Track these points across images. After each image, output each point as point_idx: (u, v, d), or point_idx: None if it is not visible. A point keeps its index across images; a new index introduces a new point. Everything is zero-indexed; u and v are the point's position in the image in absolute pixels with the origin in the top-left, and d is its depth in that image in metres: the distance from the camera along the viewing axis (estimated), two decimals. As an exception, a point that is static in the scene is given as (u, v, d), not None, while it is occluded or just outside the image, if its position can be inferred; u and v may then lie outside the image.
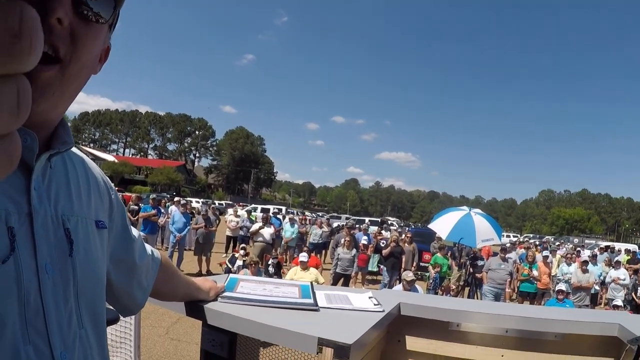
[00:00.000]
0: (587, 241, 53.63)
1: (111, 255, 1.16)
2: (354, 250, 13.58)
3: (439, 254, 14.27)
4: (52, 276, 0.87)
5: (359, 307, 2.04)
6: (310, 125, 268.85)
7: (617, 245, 32.62)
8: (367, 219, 45.32)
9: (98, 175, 1.13)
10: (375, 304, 2.09)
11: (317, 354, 1.53)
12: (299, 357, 2.05)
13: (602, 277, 15.47)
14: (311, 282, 2.30)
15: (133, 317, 5.58)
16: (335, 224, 24.55)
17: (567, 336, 2.26)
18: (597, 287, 15.13)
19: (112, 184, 1.22)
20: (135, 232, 1.33)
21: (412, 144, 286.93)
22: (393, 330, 2.45)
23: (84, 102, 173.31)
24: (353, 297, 2.21)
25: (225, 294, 1.93)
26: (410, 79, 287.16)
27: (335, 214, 69.35)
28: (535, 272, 13.25)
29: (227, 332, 1.87)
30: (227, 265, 12.04)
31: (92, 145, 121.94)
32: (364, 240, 15.43)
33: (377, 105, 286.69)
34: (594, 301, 15.01)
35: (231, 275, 2.28)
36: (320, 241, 19.46)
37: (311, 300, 1.96)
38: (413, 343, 2.43)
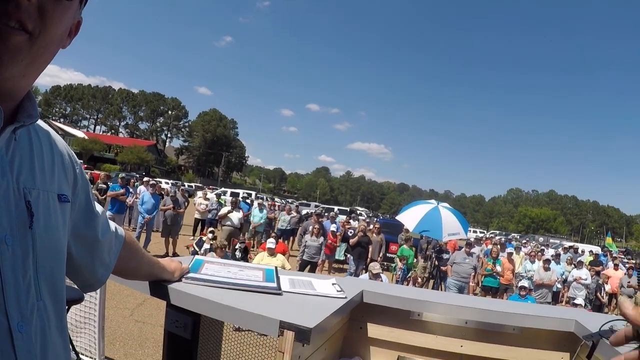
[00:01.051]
0: (551, 240, 54.39)
1: (73, 229, 1.15)
2: (322, 238, 13.62)
3: (405, 246, 14.38)
4: (12, 247, 0.87)
5: (322, 293, 2.05)
6: (285, 111, 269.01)
7: (581, 246, 33.19)
8: (336, 208, 45.40)
9: (63, 150, 1.13)
10: (338, 290, 2.11)
11: (279, 336, 1.55)
12: (262, 340, 2.07)
13: (564, 276, 15.76)
14: (275, 267, 2.32)
15: (97, 298, 5.57)
16: (304, 212, 24.56)
17: (526, 330, 2.32)
18: (559, 286, 15.42)
19: (78, 159, 1.22)
20: (99, 207, 1.32)
21: (385, 136, 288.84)
22: (356, 317, 2.47)
23: (56, 76, 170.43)
24: (316, 282, 2.23)
25: (190, 274, 1.93)
26: (387, 70, 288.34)
27: (305, 202, 69.29)
28: (498, 268, 13.42)
29: (190, 313, 1.87)
30: (194, 248, 12.00)
31: (62, 120, 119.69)
32: (332, 228, 15.49)
33: (352, 95, 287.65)
34: (556, 299, 15.33)
35: (196, 256, 2.28)
36: (288, 227, 19.48)
37: (274, 284, 1.97)
38: (375, 330, 2.46)
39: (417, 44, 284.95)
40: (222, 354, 2.23)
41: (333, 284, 2.23)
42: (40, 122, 1.03)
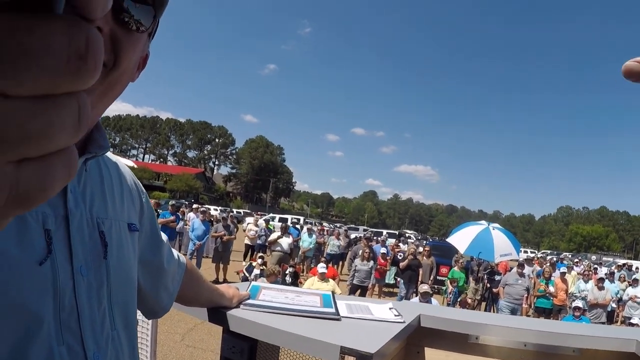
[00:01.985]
0: (604, 258, 53.04)
1: (140, 257, 1.17)
2: (372, 262, 13.56)
3: (455, 268, 14.21)
4: (87, 278, 0.89)
5: (380, 318, 2.04)
6: (330, 136, 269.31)
7: (635, 263, 32.17)
8: (384, 231, 45.15)
9: (130, 179, 1.16)
10: (395, 315, 2.10)
11: None
12: (320, 365, 2.06)
13: (619, 295, 15.24)
14: (332, 292, 2.32)
15: (150, 322, 5.62)
16: (353, 236, 24.49)
17: (585, 351, 2.25)
18: (613, 305, 14.87)
19: (143, 188, 1.24)
20: (164, 236, 1.34)
21: (431, 157, 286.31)
22: (412, 342, 2.45)
23: None
24: (374, 307, 2.21)
25: (248, 301, 1.95)
26: (432, 91, 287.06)
27: (353, 226, 69.17)
28: (551, 288, 13.11)
29: (247, 339, 1.88)
30: (244, 273, 12.06)
31: (112, 150, 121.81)
32: (382, 250, 15.43)
33: (397, 117, 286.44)
34: (611, 319, 14.77)
35: (254, 283, 2.30)
36: (337, 252, 19.43)
37: (333, 310, 1.97)
38: (432, 355, 2.43)
39: (460, 66, 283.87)
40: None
41: (390, 309, 2.22)
42: (108, 153, 1.05)
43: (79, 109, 0.33)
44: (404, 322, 2.03)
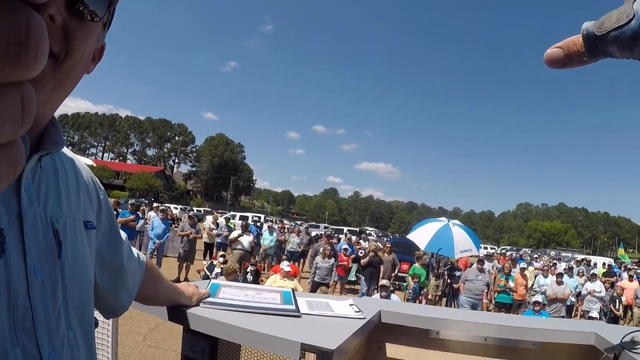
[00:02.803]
0: (563, 254, 54.09)
1: (97, 255, 1.14)
2: (333, 260, 13.59)
3: (416, 264, 14.33)
4: (41, 278, 0.87)
5: (341, 314, 2.04)
6: (291, 134, 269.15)
7: (594, 259, 32.87)
8: (345, 229, 45.34)
9: (87, 176, 1.13)
10: (356, 311, 2.10)
11: (300, 359, 1.54)
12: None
13: (577, 289, 15.57)
14: (292, 289, 2.31)
15: (110, 322, 5.55)
16: (314, 233, 24.51)
17: (545, 345, 2.28)
18: (573, 299, 15.21)
19: (102, 185, 1.22)
20: (123, 234, 1.32)
21: (392, 155, 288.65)
22: (374, 338, 2.46)
23: (64, 105, 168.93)
24: (334, 304, 2.22)
25: (208, 299, 1.93)
26: (393, 89, 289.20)
27: (314, 223, 69.26)
28: (511, 284, 13.31)
29: (208, 338, 1.86)
30: (205, 272, 11.98)
31: (70, 148, 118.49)
32: (345, 246, 15.52)
33: (358, 115, 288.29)
34: (570, 313, 15.16)
35: (213, 280, 2.28)
36: (297, 250, 19.45)
37: (293, 306, 1.97)
38: (393, 350, 2.44)
39: (419, 62, 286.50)
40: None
41: (351, 305, 2.22)
42: (64, 149, 1.03)
43: (22, 100, 0.32)
44: (364, 318, 2.03)
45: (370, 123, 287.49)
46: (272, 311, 1.90)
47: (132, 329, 8.40)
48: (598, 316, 11.94)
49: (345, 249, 15.26)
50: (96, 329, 5.55)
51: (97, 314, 1.31)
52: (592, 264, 25.60)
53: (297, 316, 1.91)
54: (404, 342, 2.43)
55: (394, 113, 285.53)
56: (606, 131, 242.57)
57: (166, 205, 40.84)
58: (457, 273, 13.51)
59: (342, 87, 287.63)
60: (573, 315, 15.43)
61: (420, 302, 13.16)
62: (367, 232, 55.32)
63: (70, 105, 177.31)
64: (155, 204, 19.57)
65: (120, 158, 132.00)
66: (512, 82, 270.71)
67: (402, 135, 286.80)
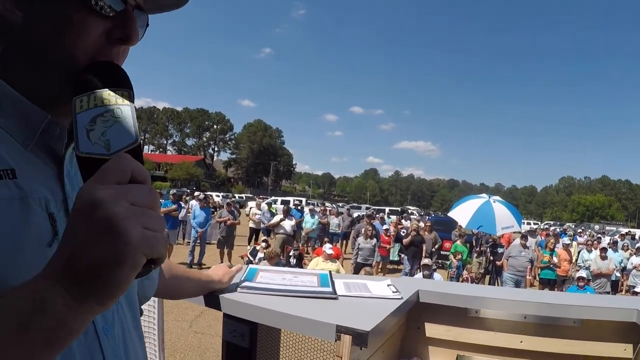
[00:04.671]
0: (607, 228, 52.88)
1: None
2: (375, 240, 13.58)
3: (458, 242, 14.23)
4: None
5: (378, 295, 2.05)
6: (329, 116, 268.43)
7: (638, 232, 32.09)
8: (387, 209, 45.24)
9: None
10: (393, 292, 2.10)
11: (336, 341, 1.55)
12: (320, 345, 2.07)
13: (622, 264, 15.24)
14: (330, 272, 2.32)
15: (156, 311, 5.67)
16: (355, 214, 24.51)
17: (586, 322, 2.24)
18: (617, 274, 14.86)
19: None
20: None
21: (431, 132, 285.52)
22: (412, 318, 2.45)
23: None
24: (372, 285, 2.22)
25: (245, 283, 1.95)
26: (429, 67, 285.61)
27: (356, 204, 69.29)
28: (554, 259, 13.11)
29: (247, 322, 1.89)
30: (248, 257, 12.09)
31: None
32: (385, 227, 15.52)
33: (395, 94, 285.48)
34: (615, 288, 14.80)
35: (251, 265, 2.31)
36: (338, 231, 19.49)
37: (330, 289, 1.98)
38: (432, 330, 2.44)
39: (455, 41, 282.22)
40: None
41: (388, 285, 2.22)
42: None
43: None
44: (401, 298, 2.03)
45: (408, 102, 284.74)
46: (308, 294, 1.91)
47: (179, 316, 8.57)
48: None
49: (386, 230, 15.23)
50: (142, 317, 5.69)
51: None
52: (637, 237, 25.03)
53: (334, 298, 1.92)
54: (443, 321, 2.43)
55: (431, 91, 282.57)
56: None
57: (208, 193, 41.29)
58: (500, 250, 13.39)
59: (377, 67, 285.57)
60: (618, 290, 15.09)
61: (464, 280, 13.07)
62: (409, 211, 55.10)
63: None
64: (196, 193, 19.74)
65: (161, 150, 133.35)
66: (552, 56, 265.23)
67: (440, 113, 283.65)
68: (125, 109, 0.79)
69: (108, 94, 0.79)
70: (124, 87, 0.82)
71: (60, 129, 0.88)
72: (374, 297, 2.03)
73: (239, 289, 1.90)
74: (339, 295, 1.96)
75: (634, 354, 2.16)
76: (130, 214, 0.63)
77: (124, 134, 0.76)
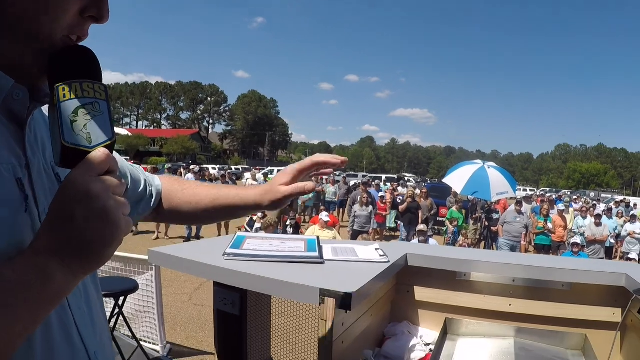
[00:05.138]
0: (603, 195, 53.08)
1: None
2: (371, 207, 13.60)
3: (454, 208, 14.27)
4: None
5: (364, 259, 2.05)
6: (324, 85, 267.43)
7: (633, 200, 32.20)
8: (383, 176, 45.29)
9: None
10: (381, 255, 2.10)
11: (320, 304, 1.56)
12: (309, 310, 2.08)
13: (617, 231, 15.25)
14: (317, 237, 2.32)
15: (154, 286, 5.75)
16: (352, 182, 24.52)
17: (575, 285, 2.27)
18: (612, 241, 14.87)
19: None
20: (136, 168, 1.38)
21: (427, 100, 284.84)
22: (402, 281, 2.47)
23: None
24: (359, 249, 2.22)
25: (231, 251, 1.95)
26: (425, 34, 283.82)
27: (352, 172, 69.29)
28: (549, 225, 13.15)
29: (236, 290, 1.90)
30: (245, 228, 12.12)
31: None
32: (381, 194, 15.55)
33: (391, 62, 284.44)
34: (609, 254, 14.80)
35: (238, 233, 2.30)
36: (334, 199, 19.53)
37: (316, 254, 1.97)
38: (422, 293, 2.46)
39: (449, 8, 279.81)
40: (271, 326, 2.26)
41: (376, 249, 2.22)
42: None
43: None
44: (388, 261, 2.03)
45: (404, 69, 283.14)
46: (295, 259, 1.91)
47: (178, 289, 8.64)
48: (638, 258, 11.69)
49: (382, 197, 15.26)
50: (140, 293, 5.78)
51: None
52: (632, 205, 25.13)
53: (321, 263, 1.92)
54: (432, 285, 2.45)
55: (427, 58, 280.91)
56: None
57: (204, 166, 41.27)
58: (495, 215, 13.43)
59: (373, 35, 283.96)
60: (613, 257, 15.10)
61: (461, 246, 13.12)
62: (406, 178, 55.18)
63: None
64: (192, 166, 19.73)
65: (155, 124, 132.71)
66: (547, 25, 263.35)
67: (437, 80, 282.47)
68: (102, 104, 0.86)
69: (88, 87, 0.85)
70: (100, 81, 0.88)
71: (23, 93, 0.88)
72: (361, 260, 2.03)
73: (225, 257, 1.90)
74: (326, 260, 1.96)
75: (622, 318, 2.18)
76: (117, 206, 0.79)
77: (103, 130, 0.85)
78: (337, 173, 56.72)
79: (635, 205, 25.92)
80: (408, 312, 2.53)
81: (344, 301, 1.51)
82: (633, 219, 14.93)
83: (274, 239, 2.24)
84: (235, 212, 1.45)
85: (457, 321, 2.34)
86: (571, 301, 2.30)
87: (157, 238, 13.52)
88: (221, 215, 1.48)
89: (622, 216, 16.61)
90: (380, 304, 2.31)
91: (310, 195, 18.14)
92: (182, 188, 1.45)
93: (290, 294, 1.65)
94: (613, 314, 2.25)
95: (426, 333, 2.44)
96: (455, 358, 2.10)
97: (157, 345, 5.99)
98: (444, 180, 13.38)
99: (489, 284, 2.39)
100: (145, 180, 1.38)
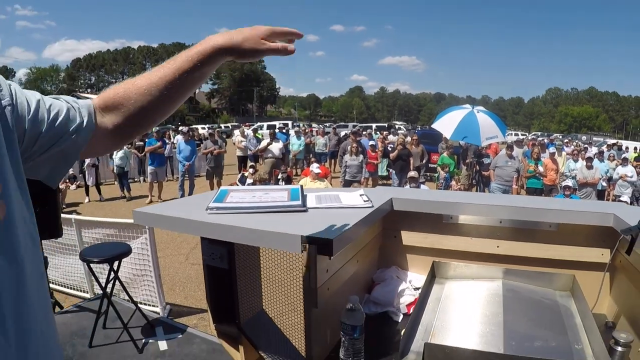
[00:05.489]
0: (595, 139, 53.34)
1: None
2: (361, 156, 13.59)
3: (445, 154, 14.28)
4: None
5: (348, 205, 2.05)
6: (309, 36, 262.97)
7: (625, 143, 32.30)
8: (374, 125, 45.21)
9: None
10: (365, 201, 2.11)
11: (302, 252, 1.56)
12: (296, 259, 2.09)
13: (608, 174, 15.29)
14: (301, 185, 2.32)
15: (149, 249, 5.79)
16: (342, 133, 24.49)
17: (562, 226, 2.26)
18: (604, 184, 14.95)
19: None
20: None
21: (415, 47, 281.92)
22: (388, 226, 2.47)
23: (76, 49, 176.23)
24: (344, 196, 2.23)
25: (214, 205, 1.95)
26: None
27: (343, 123, 69.16)
28: (540, 169, 13.16)
29: (222, 243, 1.89)
30: (237, 185, 12.12)
31: (89, 90, 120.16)
32: (371, 143, 15.55)
33: (376, 10, 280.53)
34: (602, 198, 14.89)
35: (221, 187, 2.30)
36: (325, 151, 19.55)
37: (299, 202, 1.98)
38: (409, 238, 2.47)
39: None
40: (262, 277, 2.27)
41: (361, 195, 2.23)
42: None
43: None
44: (372, 206, 2.03)
45: (390, 16, 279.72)
46: (277, 209, 1.92)
47: (175, 250, 8.70)
48: (629, 201, 11.74)
49: (373, 146, 15.25)
50: (136, 257, 5.85)
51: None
52: (623, 148, 25.20)
53: (304, 211, 1.93)
54: (419, 229, 2.45)
55: (413, 4, 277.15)
56: (637, 10, 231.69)
57: (193, 126, 41.02)
58: (486, 160, 13.45)
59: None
60: (605, 200, 15.03)
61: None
62: (396, 126, 55.11)
63: (82, 48, 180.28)
64: (181, 128, 19.61)
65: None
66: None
67: (424, 27, 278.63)
68: None
69: None
70: None
71: None
72: (344, 207, 2.04)
73: (208, 211, 1.90)
74: (309, 208, 1.97)
75: (610, 258, 2.17)
76: None
77: None
78: (328, 124, 56.70)
79: (627, 148, 26.01)
80: (396, 257, 2.54)
81: (325, 247, 1.51)
82: (625, 162, 14.90)
83: (257, 190, 2.24)
84: (194, 71, 1.26)
85: (445, 264, 2.33)
86: (559, 242, 2.29)
87: (151, 202, 13.47)
88: (182, 84, 1.25)
89: (613, 159, 16.59)
90: (367, 250, 2.31)
91: (301, 147, 18.22)
92: (124, 88, 1.20)
93: (272, 243, 1.65)
94: (601, 255, 2.25)
95: (415, 277, 2.45)
96: (443, 301, 2.10)
97: (157, 307, 6.05)
98: (433, 126, 13.25)
99: (476, 226, 2.39)
100: (69, 108, 1.12)
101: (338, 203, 2.07)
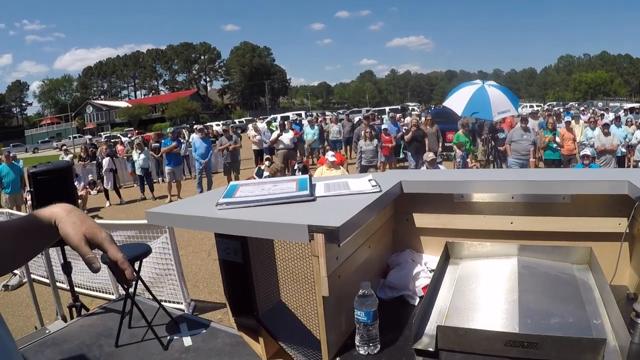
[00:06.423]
0: (611, 104, 52.07)
1: None
2: (376, 141, 13.55)
3: (460, 132, 14.18)
4: None
5: (356, 191, 2.06)
6: (315, 25, 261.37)
7: (643, 106, 31.49)
8: (387, 108, 45.01)
9: None
10: (373, 186, 2.11)
11: (310, 241, 1.57)
12: (308, 249, 2.10)
13: (627, 139, 14.75)
14: (310, 175, 2.33)
15: (170, 247, 5.84)
16: (356, 119, 24.44)
17: (576, 197, 2.19)
18: (623, 150, 14.39)
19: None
20: None
21: (422, 26, 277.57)
22: (400, 209, 2.46)
23: (86, 58, 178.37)
24: (352, 182, 2.23)
25: (224, 200, 1.97)
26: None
27: (356, 109, 68.94)
28: (557, 139, 12.91)
29: (234, 237, 1.92)
30: (255, 178, 12.14)
31: (102, 97, 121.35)
32: (384, 126, 15.60)
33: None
34: (622, 164, 14.35)
35: (232, 182, 2.32)
36: (339, 138, 19.53)
37: (307, 192, 1.99)
38: (421, 220, 2.45)
39: None
40: (277, 269, 2.29)
41: (369, 180, 2.22)
42: None
43: None
44: (379, 191, 2.03)
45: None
46: (286, 200, 1.93)
47: (197, 247, 8.83)
48: None
49: (385, 129, 15.20)
50: (158, 257, 5.90)
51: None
52: (642, 111, 24.49)
53: (312, 200, 1.94)
54: (430, 210, 2.43)
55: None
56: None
57: (208, 124, 41.17)
58: (501, 135, 13.31)
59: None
60: (626, 166, 14.49)
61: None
62: (410, 108, 54.85)
63: (92, 56, 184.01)
64: (196, 126, 19.75)
65: (153, 92, 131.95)
66: None
67: (429, 4, 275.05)
68: None
69: None
70: None
71: None
72: (352, 193, 2.05)
73: (217, 207, 1.92)
74: (317, 197, 1.98)
75: (627, 227, 2.11)
76: None
77: None
78: (341, 111, 56.53)
79: (645, 111, 25.20)
80: (410, 240, 2.52)
81: (332, 235, 1.52)
82: (643, 125, 14.46)
83: (266, 183, 2.25)
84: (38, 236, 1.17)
85: (458, 244, 2.30)
86: (574, 214, 2.22)
87: (171, 201, 13.58)
88: (27, 246, 1.15)
89: (632, 124, 16.12)
90: (380, 235, 2.30)
91: (315, 136, 18.23)
92: None
93: (280, 234, 1.67)
94: (619, 224, 2.16)
95: (430, 259, 2.42)
96: (458, 281, 2.07)
97: (182, 304, 6.11)
98: (444, 104, 13.16)
99: (488, 203, 2.34)
100: None
101: (346, 190, 2.08)
